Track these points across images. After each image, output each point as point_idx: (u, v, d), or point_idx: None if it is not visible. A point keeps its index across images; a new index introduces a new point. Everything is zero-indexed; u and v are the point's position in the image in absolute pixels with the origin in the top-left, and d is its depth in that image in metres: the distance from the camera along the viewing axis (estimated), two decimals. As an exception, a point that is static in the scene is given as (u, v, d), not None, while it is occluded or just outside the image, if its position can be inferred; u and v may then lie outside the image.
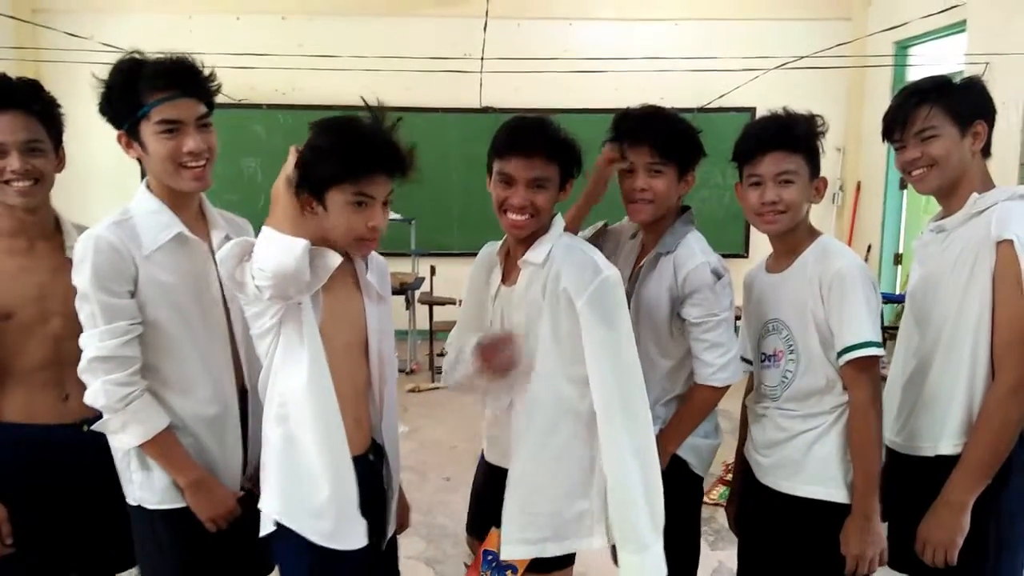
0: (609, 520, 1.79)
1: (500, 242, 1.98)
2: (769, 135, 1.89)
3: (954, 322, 1.85)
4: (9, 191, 1.82)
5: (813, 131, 1.90)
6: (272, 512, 1.68)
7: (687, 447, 1.99)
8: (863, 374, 1.81)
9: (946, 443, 1.85)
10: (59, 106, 1.87)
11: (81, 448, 1.85)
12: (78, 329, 1.73)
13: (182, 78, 1.72)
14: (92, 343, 1.70)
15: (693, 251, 1.95)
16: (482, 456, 2.08)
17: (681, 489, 1.97)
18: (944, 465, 1.83)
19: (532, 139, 1.79)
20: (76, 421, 1.86)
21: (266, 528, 1.70)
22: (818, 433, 1.87)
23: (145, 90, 1.69)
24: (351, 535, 1.66)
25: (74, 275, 1.71)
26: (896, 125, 1.92)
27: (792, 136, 1.87)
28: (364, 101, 1.68)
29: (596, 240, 2.17)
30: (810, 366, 1.87)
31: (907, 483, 1.91)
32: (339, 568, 1.67)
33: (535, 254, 1.82)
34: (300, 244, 1.53)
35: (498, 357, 1.80)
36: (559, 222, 1.88)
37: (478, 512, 2.08)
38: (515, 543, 1.81)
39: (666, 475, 1.85)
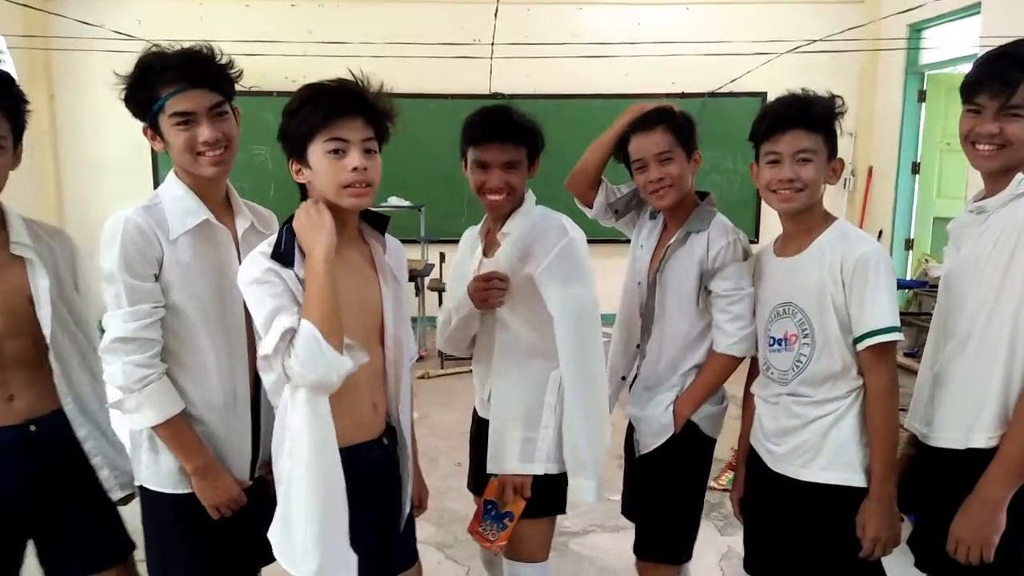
0: (561, 452, 2.06)
1: (480, 224, 2.24)
2: (790, 113, 1.89)
3: (991, 307, 1.73)
4: None
5: (832, 111, 1.90)
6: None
7: (699, 414, 2.17)
8: (883, 358, 1.82)
9: (979, 435, 1.73)
10: (27, 102, 1.81)
11: (28, 449, 1.83)
12: (20, 328, 1.75)
13: (193, 70, 1.73)
14: (116, 324, 1.72)
15: (726, 229, 2.13)
16: (474, 412, 2.30)
17: (693, 451, 2.20)
18: (977, 459, 1.71)
19: (503, 127, 2.03)
20: (21, 422, 1.83)
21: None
22: (834, 418, 1.86)
23: (159, 84, 1.72)
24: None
25: (101, 256, 1.74)
26: (985, 88, 1.72)
27: (812, 115, 1.88)
28: (350, 71, 1.69)
29: (632, 197, 2.36)
30: (826, 350, 1.86)
31: (936, 477, 1.82)
32: None
33: (511, 225, 2.08)
34: (346, 365, 1.57)
35: (487, 289, 2.05)
36: (531, 197, 2.12)
37: (477, 469, 2.25)
38: (493, 461, 2.11)
39: (679, 439, 2.15)
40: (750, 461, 2.08)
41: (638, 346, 2.26)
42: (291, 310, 1.57)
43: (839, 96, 1.91)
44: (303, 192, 1.72)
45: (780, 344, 1.95)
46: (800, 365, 1.90)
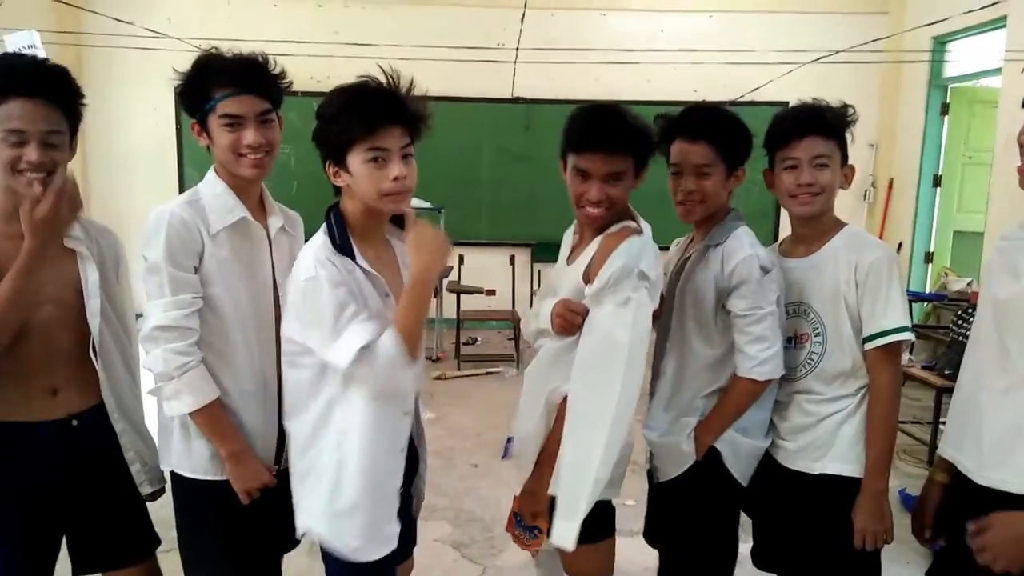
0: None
1: (574, 224, 2.03)
2: (807, 120, 1.96)
3: None
4: (23, 181, 1.73)
5: (845, 119, 1.97)
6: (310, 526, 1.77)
7: (724, 440, 1.99)
8: (892, 358, 1.90)
9: None
10: (82, 96, 1.83)
11: (67, 444, 1.85)
12: (69, 320, 1.80)
13: (247, 76, 1.81)
14: (157, 312, 1.79)
15: (743, 243, 1.95)
16: None
17: (713, 484, 1.98)
18: None
19: (609, 134, 1.81)
20: (63, 416, 1.85)
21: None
22: (845, 415, 1.93)
23: (213, 85, 1.79)
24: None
25: (145, 247, 1.81)
26: None
27: (827, 122, 1.95)
28: (380, 68, 1.73)
29: None
30: (838, 348, 1.93)
31: (980, 513, 1.60)
32: None
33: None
34: (418, 376, 1.68)
35: (566, 320, 1.84)
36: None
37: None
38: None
39: (700, 468, 1.96)
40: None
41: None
42: (362, 317, 1.62)
43: (851, 105, 1.99)
44: (337, 192, 1.77)
45: (791, 343, 2.01)
46: (811, 363, 1.96)
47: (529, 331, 2.06)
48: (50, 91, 1.73)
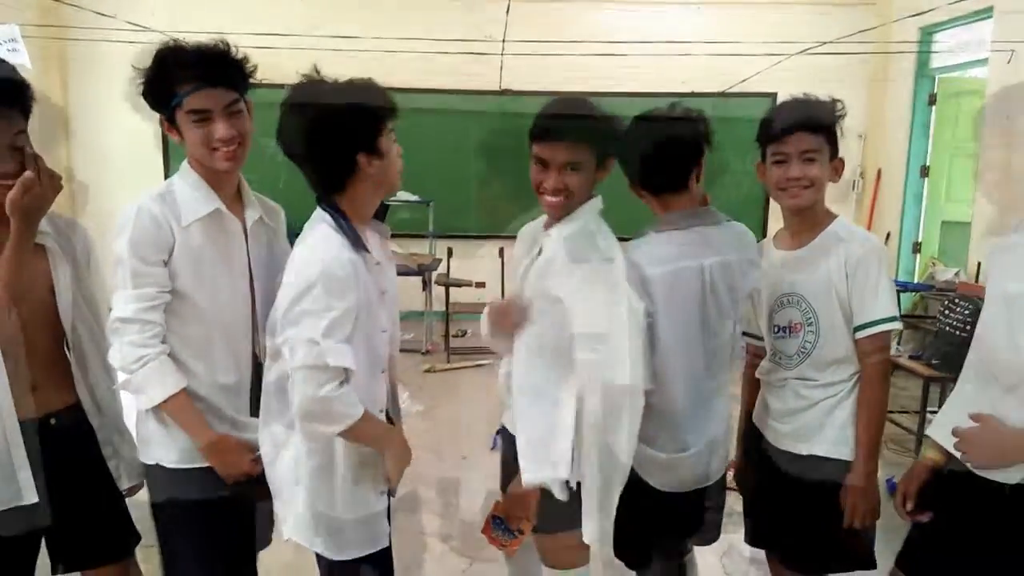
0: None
1: (544, 218, 2.03)
2: (796, 116, 2.00)
3: None
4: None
5: (834, 114, 2.01)
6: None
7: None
8: (881, 345, 1.97)
9: None
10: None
11: (46, 443, 1.82)
12: (42, 318, 1.79)
13: (211, 68, 1.77)
14: (119, 304, 1.77)
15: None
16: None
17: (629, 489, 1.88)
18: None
19: (563, 123, 1.87)
20: (42, 416, 1.84)
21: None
22: (837, 400, 2.00)
23: (176, 80, 1.75)
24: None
25: (114, 240, 1.79)
26: None
27: (815, 118, 1.99)
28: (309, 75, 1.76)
29: None
30: (830, 337, 1.99)
31: (985, 514, 1.68)
32: None
33: (558, 231, 1.90)
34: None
35: (504, 319, 1.89)
36: (591, 206, 1.91)
37: (505, 476, 2.14)
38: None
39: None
40: (750, 439, 2.22)
41: None
42: (352, 339, 1.66)
43: (840, 100, 2.02)
44: (329, 188, 1.76)
45: (785, 331, 2.07)
46: (805, 351, 2.03)
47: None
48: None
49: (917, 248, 6.78)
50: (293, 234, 1.90)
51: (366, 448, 1.75)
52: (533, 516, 1.90)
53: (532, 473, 1.78)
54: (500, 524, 2.00)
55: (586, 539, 1.82)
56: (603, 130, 1.88)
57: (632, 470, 1.87)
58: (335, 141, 1.67)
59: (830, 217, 2.05)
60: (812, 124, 1.98)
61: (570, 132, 1.85)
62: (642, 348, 1.81)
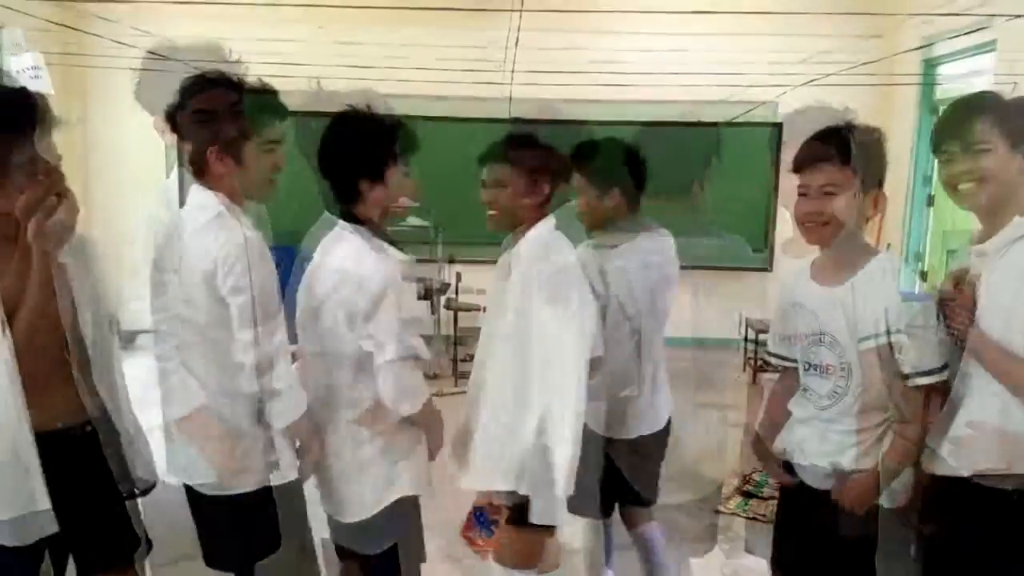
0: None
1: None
2: (816, 147, 1.89)
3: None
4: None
5: (864, 144, 1.89)
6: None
7: None
8: (929, 395, 1.85)
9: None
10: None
11: (56, 452, 1.85)
12: (56, 330, 1.84)
13: (280, 104, 2.07)
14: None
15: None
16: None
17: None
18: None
19: (496, 147, 2.27)
20: (56, 428, 1.87)
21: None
22: (867, 447, 1.92)
23: (261, 112, 1.99)
24: None
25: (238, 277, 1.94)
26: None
27: (838, 149, 1.87)
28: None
29: None
30: (865, 384, 1.89)
31: (992, 522, 1.71)
32: None
33: (517, 247, 2.26)
34: None
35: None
36: (542, 224, 2.24)
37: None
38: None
39: None
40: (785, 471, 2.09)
41: None
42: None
43: (877, 128, 1.91)
44: (344, 200, 2.01)
45: (817, 370, 1.96)
46: (837, 395, 1.91)
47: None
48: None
49: (924, 277, 6.77)
50: (289, 235, 2.09)
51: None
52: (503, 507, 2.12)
53: (481, 480, 2.15)
54: (481, 517, 2.08)
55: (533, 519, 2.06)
56: (534, 154, 2.27)
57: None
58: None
59: (869, 254, 1.91)
60: (833, 156, 1.85)
61: (498, 155, 2.28)
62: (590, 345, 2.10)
